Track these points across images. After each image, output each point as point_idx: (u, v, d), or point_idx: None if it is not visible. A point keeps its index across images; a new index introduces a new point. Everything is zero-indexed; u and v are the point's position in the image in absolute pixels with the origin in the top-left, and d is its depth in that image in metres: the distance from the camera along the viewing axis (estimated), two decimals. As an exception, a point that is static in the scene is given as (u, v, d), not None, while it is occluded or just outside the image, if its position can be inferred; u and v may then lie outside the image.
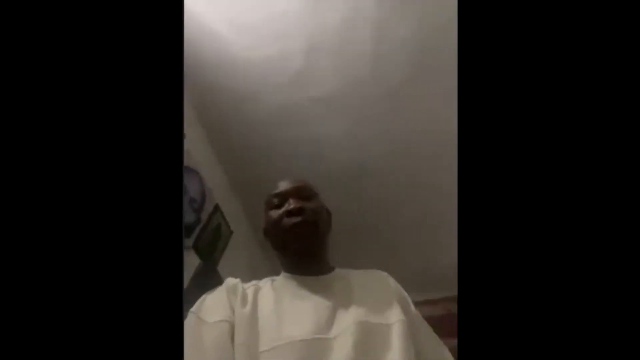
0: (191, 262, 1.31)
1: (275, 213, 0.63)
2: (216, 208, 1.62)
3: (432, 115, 1.61)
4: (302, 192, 0.65)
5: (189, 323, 0.52)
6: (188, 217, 1.39)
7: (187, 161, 1.47)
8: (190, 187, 1.45)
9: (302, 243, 0.60)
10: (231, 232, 1.70)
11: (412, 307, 0.62)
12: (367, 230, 1.85)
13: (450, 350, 0.58)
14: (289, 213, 0.61)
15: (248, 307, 0.53)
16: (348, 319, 0.51)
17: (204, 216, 1.50)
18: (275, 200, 0.65)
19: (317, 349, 0.47)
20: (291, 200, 0.63)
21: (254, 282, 0.61)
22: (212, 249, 1.52)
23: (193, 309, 0.54)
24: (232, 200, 1.88)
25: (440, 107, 1.53)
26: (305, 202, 0.63)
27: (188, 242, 1.33)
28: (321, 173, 1.71)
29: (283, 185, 0.67)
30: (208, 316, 0.52)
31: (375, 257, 1.46)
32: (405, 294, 0.64)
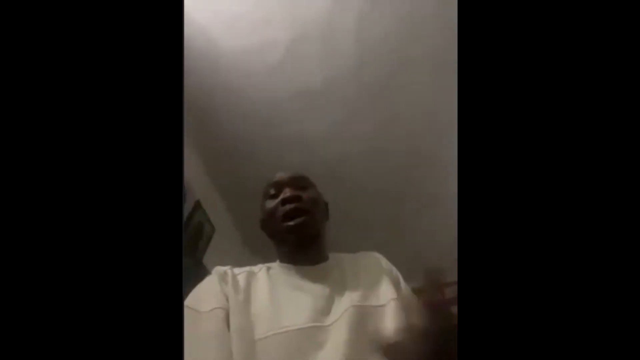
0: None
1: (271, 202, 0.64)
2: (197, 205, 1.57)
3: (418, 107, 1.60)
4: (299, 182, 0.65)
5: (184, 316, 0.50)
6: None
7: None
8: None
9: (299, 230, 0.59)
10: (213, 230, 1.65)
11: (403, 283, 0.63)
12: (356, 225, 1.83)
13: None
14: (285, 201, 0.61)
15: (242, 294, 0.52)
16: (343, 305, 0.52)
17: (184, 213, 1.45)
18: (272, 190, 0.65)
19: (314, 336, 0.47)
20: (287, 190, 0.63)
21: (247, 268, 0.60)
22: (193, 248, 1.47)
23: (186, 302, 0.52)
24: (214, 196, 1.82)
25: (427, 98, 1.52)
26: (301, 192, 0.63)
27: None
28: (306, 168, 1.68)
29: (279, 175, 0.67)
30: (202, 306, 0.50)
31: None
32: (396, 271, 0.65)
